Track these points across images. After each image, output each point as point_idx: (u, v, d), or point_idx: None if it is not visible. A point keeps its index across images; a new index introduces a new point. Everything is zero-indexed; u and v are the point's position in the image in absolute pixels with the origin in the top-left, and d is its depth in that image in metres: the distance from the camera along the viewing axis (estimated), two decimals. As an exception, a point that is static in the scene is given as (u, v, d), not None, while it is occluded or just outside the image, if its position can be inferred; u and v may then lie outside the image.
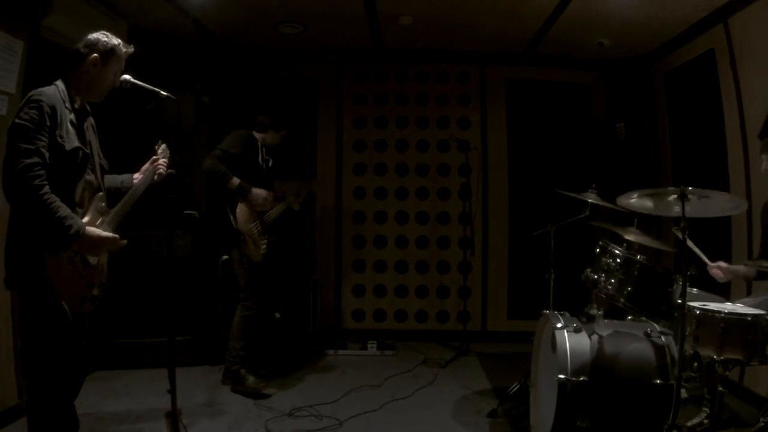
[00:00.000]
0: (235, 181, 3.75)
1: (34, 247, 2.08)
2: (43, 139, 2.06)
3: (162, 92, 2.43)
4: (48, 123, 2.09)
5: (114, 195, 2.48)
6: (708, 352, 2.49)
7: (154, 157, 2.59)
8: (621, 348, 2.72)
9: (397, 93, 5.57)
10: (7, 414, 3.19)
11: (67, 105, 2.21)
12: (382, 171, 5.55)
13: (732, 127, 3.95)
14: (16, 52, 3.25)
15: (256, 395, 3.75)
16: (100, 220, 2.30)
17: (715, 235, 3.77)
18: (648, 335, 2.75)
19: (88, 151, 2.27)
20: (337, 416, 3.45)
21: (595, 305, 3.09)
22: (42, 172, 2.02)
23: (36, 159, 2.02)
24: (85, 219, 2.22)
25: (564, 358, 2.66)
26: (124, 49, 2.35)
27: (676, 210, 2.67)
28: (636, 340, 2.74)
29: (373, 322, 5.51)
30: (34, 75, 3.29)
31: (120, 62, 2.35)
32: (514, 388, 3.58)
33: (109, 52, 2.29)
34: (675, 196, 2.53)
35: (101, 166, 2.41)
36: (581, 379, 2.62)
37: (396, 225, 5.54)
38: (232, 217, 3.82)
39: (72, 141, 2.18)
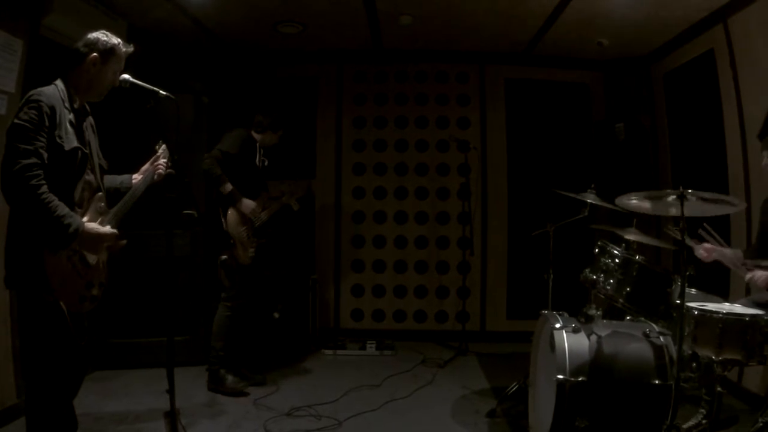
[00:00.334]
0: (228, 186, 3.78)
1: (33, 246, 2.08)
2: (42, 139, 2.06)
3: (161, 92, 2.42)
4: (47, 123, 2.08)
5: (113, 195, 2.47)
6: (706, 353, 2.49)
7: (154, 157, 2.59)
8: (620, 348, 2.72)
9: (396, 93, 5.57)
10: (6, 414, 3.19)
11: (67, 105, 2.20)
12: (381, 171, 5.55)
13: (731, 127, 3.95)
14: (15, 51, 3.25)
15: (235, 394, 3.76)
16: (99, 220, 2.30)
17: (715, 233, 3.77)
18: (647, 335, 2.75)
19: (87, 151, 2.27)
20: (336, 416, 3.45)
21: (593, 305, 3.10)
22: (40, 172, 2.02)
23: (34, 159, 2.02)
24: (85, 219, 2.21)
25: (563, 358, 2.66)
26: (123, 49, 2.34)
27: (673, 211, 2.68)
28: (635, 341, 2.74)
29: (372, 322, 5.51)
30: (34, 74, 3.29)
31: (120, 61, 2.34)
32: (512, 388, 3.59)
33: (109, 51, 2.29)
34: (674, 197, 2.53)
35: (100, 166, 2.41)
36: (580, 379, 2.62)
37: (395, 225, 5.54)
38: (223, 220, 3.86)
39: (71, 141, 2.17)
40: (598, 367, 2.66)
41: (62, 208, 2.07)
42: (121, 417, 3.39)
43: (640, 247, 3.19)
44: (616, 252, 3.08)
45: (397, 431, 3.33)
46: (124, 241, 2.36)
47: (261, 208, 4.01)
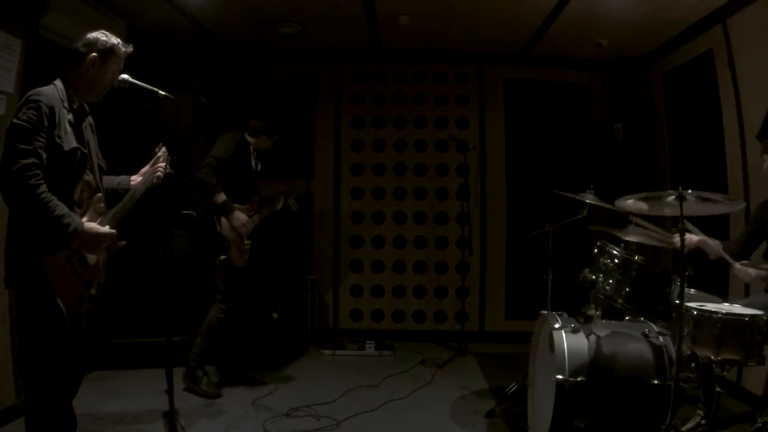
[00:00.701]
0: (221, 197, 3.79)
1: (33, 246, 2.08)
2: (41, 139, 2.06)
3: (160, 92, 2.42)
4: (46, 123, 2.08)
5: (110, 196, 2.46)
6: (705, 353, 2.49)
7: (154, 159, 2.58)
8: (619, 348, 2.72)
9: (395, 93, 5.57)
10: (5, 414, 3.18)
11: (66, 105, 2.20)
12: (380, 171, 5.55)
13: (730, 128, 3.95)
14: (14, 52, 3.25)
15: (208, 396, 3.73)
16: (98, 220, 2.29)
17: (714, 233, 3.76)
18: (646, 336, 2.75)
19: (86, 151, 2.27)
20: (335, 416, 3.44)
21: (593, 305, 3.09)
22: (38, 172, 2.02)
23: (33, 159, 2.02)
24: (84, 219, 2.21)
25: (562, 359, 2.66)
26: (123, 49, 2.34)
27: (667, 211, 2.68)
28: (634, 341, 2.75)
29: (371, 322, 5.51)
30: (33, 74, 3.28)
31: (119, 61, 2.34)
32: (511, 388, 3.59)
33: (108, 51, 2.29)
34: (672, 197, 2.53)
35: (100, 166, 2.40)
36: (579, 379, 2.62)
37: (394, 225, 5.54)
38: (217, 223, 3.86)
39: (70, 141, 2.17)
40: (598, 367, 2.66)
41: (61, 208, 2.07)
42: (119, 417, 3.38)
43: (639, 247, 3.19)
44: (615, 252, 3.07)
45: (395, 431, 3.33)
46: (123, 242, 2.36)
47: (252, 212, 4.00)
